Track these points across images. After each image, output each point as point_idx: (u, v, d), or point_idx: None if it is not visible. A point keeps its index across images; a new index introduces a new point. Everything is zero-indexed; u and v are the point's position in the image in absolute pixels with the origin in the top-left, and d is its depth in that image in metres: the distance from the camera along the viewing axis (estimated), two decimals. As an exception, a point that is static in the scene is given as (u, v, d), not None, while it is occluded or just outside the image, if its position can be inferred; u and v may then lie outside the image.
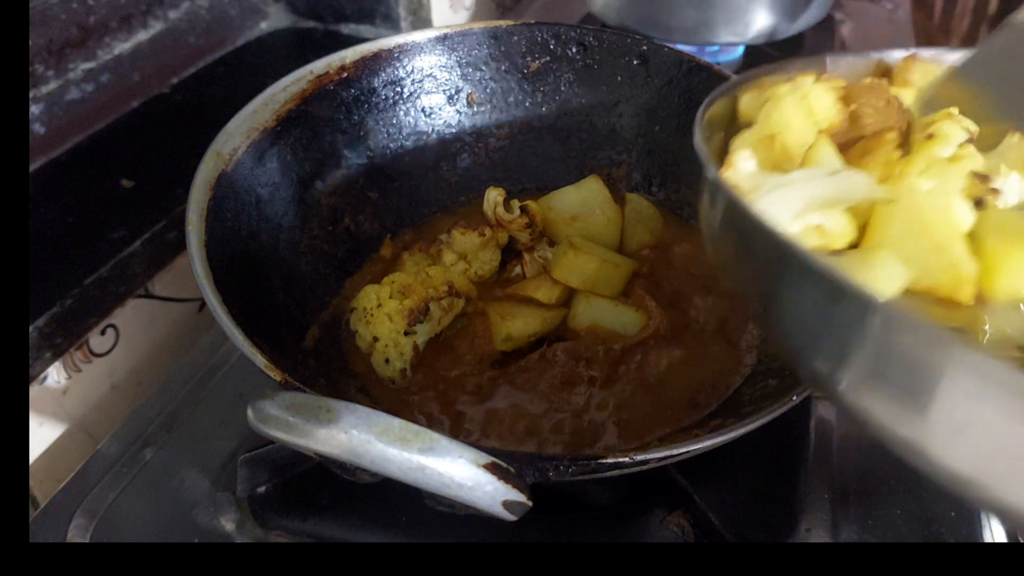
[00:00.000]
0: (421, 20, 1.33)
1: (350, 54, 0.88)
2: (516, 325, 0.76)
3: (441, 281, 0.76)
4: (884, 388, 0.38)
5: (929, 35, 1.61)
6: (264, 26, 1.34)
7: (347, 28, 1.34)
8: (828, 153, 0.51)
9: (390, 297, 0.74)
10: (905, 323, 0.36)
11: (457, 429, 0.71)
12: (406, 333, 0.74)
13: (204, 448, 0.79)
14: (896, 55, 0.61)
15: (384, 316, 0.73)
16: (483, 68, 0.96)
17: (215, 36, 1.24)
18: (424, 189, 0.94)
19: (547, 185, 0.95)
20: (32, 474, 0.84)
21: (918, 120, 0.55)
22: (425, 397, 0.74)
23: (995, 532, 0.75)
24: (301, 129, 0.83)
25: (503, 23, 0.95)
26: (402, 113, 0.93)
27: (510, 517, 0.52)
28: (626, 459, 0.54)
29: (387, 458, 0.47)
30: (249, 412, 0.49)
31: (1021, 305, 0.46)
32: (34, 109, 0.97)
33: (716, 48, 1.29)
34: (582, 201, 0.88)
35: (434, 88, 0.94)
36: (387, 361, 0.73)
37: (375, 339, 0.74)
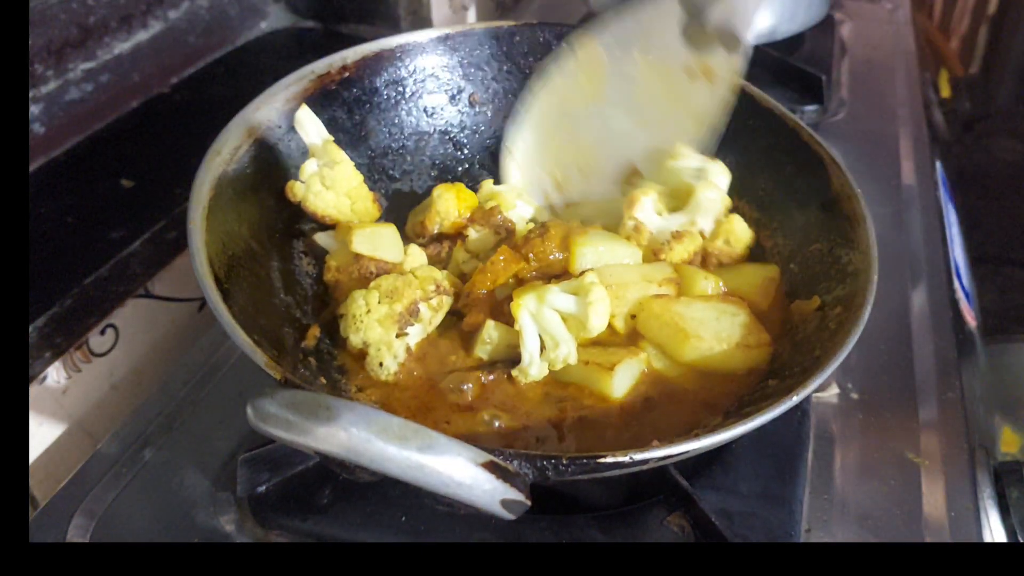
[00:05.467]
0: (421, 20, 1.33)
1: (351, 54, 0.88)
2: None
3: (428, 281, 0.76)
4: None
5: (929, 35, 1.62)
6: (264, 26, 1.34)
7: (347, 28, 1.34)
8: None
9: (379, 302, 0.73)
10: None
11: (455, 426, 0.70)
12: (398, 336, 0.73)
13: (204, 448, 0.79)
14: None
15: (374, 321, 0.72)
16: (485, 68, 0.96)
17: (215, 36, 1.24)
18: (426, 189, 0.94)
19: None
20: (32, 474, 0.84)
21: None
22: (421, 395, 0.73)
23: (995, 532, 0.75)
24: (302, 129, 0.83)
25: (505, 23, 0.95)
26: (404, 113, 0.93)
27: (508, 516, 0.52)
28: (625, 459, 0.54)
29: (386, 456, 0.47)
30: (249, 410, 0.49)
31: None
32: (34, 109, 0.97)
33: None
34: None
35: (436, 88, 0.94)
36: (381, 365, 0.73)
37: (367, 344, 0.73)
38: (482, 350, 0.75)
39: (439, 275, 0.77)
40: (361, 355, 0.74)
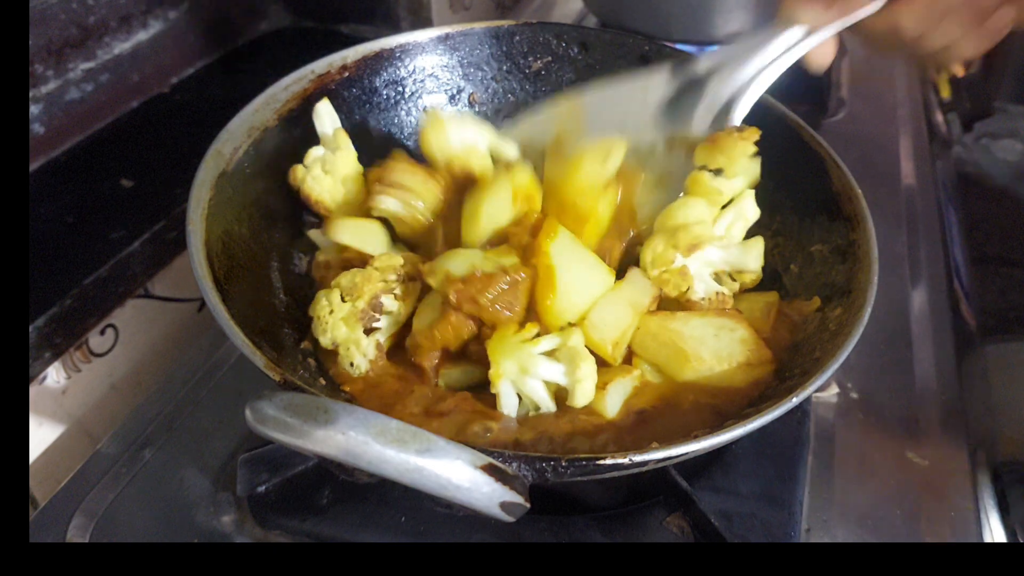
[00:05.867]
0: (421, 20, 1.33)
1: (351, 53, 0.88)
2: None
3: (388, 270, 0.72)
4: None
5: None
6: (264, 26, 1.34)
7: (347, 28, 1.34)
8: None
9: (341, 300, 0.70)
10: None
11: (447, 424, 0.68)
12: (367, 333, 0.71)
13: (204, 448, 0.79)
14: None
15: (338, 321, 0.69)
16: (485, 68, 0.96)
17: (215, 36, 1.24)
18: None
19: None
20: (32, 474, 0.84)
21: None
22: (409, 395, 0.70)
23: (995, 532, 0.75)
24: (302, 129, 0.83)
25: (505, 23, 0.95)
26: (404, 113, 0.93)
27: (508, 518, 0.52)
28: (625, 460, 0.54)
29: (384, 459, 0.47)
30: (247, 412, 0.49)
31: None
32: (34, 109, 0.97)
33: (715, 47, 1.29)
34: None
35: (435, 88, 0.94)
36: (352, 364, 0.71)
37: (336, 344, 0.70)
38: (444, 386, 0.72)
39: (398, 261, 0.73)
40: (335, 354, 0.72)
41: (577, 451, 0.65)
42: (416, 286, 0.73)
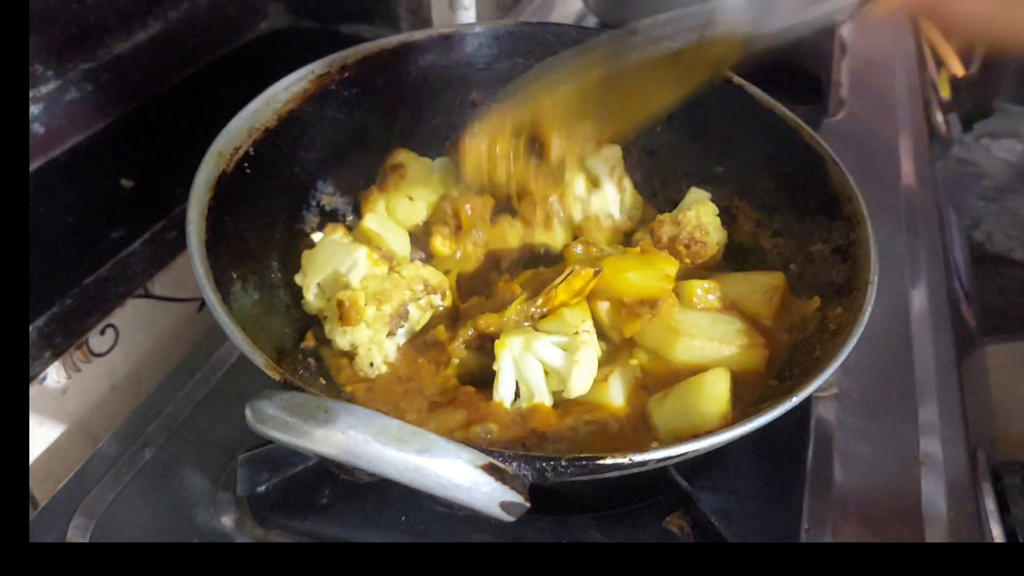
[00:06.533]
0: (421, 20, 1.33)
1: (351, 54, 0.88)
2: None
3: (416, 280, 0.75)
4: None
5: (929, 35, 1.61)
6: (264, 26, 1.34)
7: (347, 28, 1.34)
8: None
9: (365, 304, 0.72)
10: None
11: (451, 424, 0.70)
12: (388, 335, 0.73)
13: (204, 448, 0.79)
14: None
15: (362, 323, 0.71)
16: (485, 68, 0.96)
17: (215, 36, 1.24)
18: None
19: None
20: (32, 474, 0.84)
21: None
22: (413, 393, 0.72)
23: (995, 532, 0.75)
24: (302, 129, 0.83)
25: (505, 23, 0.95)
26: (404, 112, 0.93)
27: (508, 518, 0.52)
28: (624, 460, 0.54)
29: (384, 459, 0.47)
30: (247, 412, 0.49)
31: None
32: (34, 109, 0.97)
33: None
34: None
35: (436, 88, 0.94)
36: (371, 364, 0.72)
37: (355, 346, 0.72)
38: (455, 358, 0.74)
39: (426, 273, 0.76)
40: (348, 355, 0.73)
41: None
42: (435, 300, 0.76)
